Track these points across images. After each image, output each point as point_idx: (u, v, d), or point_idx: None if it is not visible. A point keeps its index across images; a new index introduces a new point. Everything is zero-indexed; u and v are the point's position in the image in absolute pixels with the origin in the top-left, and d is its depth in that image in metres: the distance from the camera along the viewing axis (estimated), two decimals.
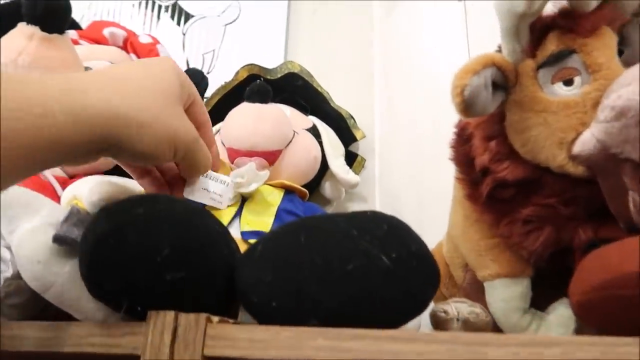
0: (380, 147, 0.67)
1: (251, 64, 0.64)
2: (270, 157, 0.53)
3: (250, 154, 0.53)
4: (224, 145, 0.55)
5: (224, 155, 0.55)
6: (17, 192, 0.42)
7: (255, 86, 0.56)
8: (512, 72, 0.35)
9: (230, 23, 0.79)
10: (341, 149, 0.61)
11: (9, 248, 0.41)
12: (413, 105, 0.69)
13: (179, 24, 0.80)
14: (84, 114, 0.27)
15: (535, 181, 0.36)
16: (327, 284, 0.31)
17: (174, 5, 0.82)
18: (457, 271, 0.46)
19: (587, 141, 0.32)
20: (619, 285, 0.27)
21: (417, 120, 0.68)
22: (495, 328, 0.41)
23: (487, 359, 0.23)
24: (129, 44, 0.68)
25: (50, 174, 0.54)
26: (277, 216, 0.50)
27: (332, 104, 0.65)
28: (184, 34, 0.80)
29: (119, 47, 0.69)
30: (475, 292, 0.45)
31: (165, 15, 0.81)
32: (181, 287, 0.33)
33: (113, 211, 0.33)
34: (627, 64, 0.37)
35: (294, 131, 0.56)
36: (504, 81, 0.35)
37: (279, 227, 0.37)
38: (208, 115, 0.38)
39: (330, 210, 0.62)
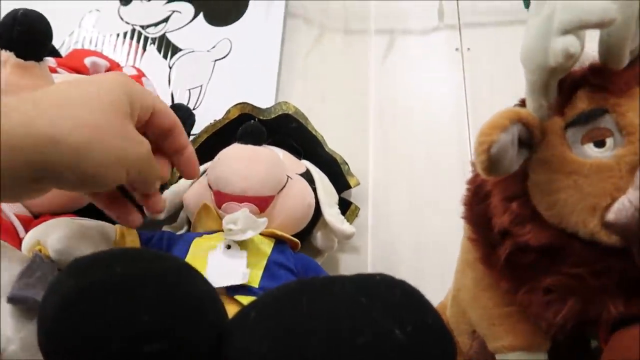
0: (374, 195, 0.64)
1: (244, 103, 0.61)
2: (262, 204, 0.49)
3: (241, 199, 0.48)
4: (211, 189, 0.51)
5: (210, 199, 0.50)
6: None
7: (249, 126, 0.53)
8: (539, 128, 0.32)
9: (220, 59, 0.76)
10: (335, 196, 0.58)
11: None
12: (409, 152, 0.67)
13: (165, 57, 0.77)
14: (4, 139, 0.25)
15: (561, 248, 0.33)
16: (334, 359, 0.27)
17: (162, 38, 0.79)
18: (463, 337, 0.42)
19: (623, 209, 0.29)
20: None
21: (413, 167, 0.65)
22: None
23: None
24: None
25: (12, 213, 0.48)
26: (267, 268, 0.46)
27: (326, 148, 0.61)
28: (170, 68, 0.76)
29: None
30: (482, 358, 0.41)
31: (152, 48, 0.78)
32: (162, 359, 0.28)
33: (84, 268, 0.28)
34: None
35: (288, 176, 0.52)
36: (529, 138, 0.32)
37: (276, 289, 0.32)
38: (175, 117, 0.35)
39: (320, 261, 0.58)
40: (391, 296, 0.30)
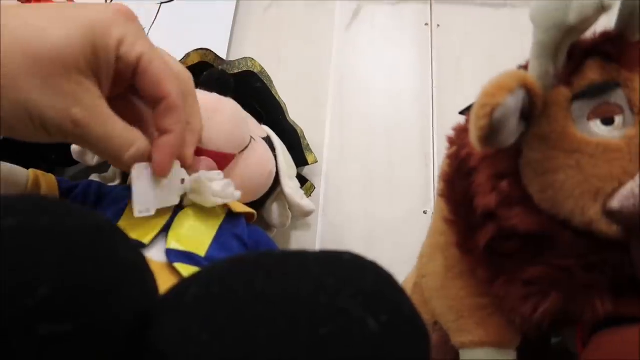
0: (328, 170, 0.59)
1: (206, 49, 0.53)
2: (222, 161, 0.42)
3: (199, 152, 0.41)
4: None
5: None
6: None
7: (216, 73, 0.45)
8: (541, 98, 0.28)
9: (167, 2, 0.67)
10: (294, 169, 0.52)
11: None
12: (367, 127, 0.62)
13: None
14: None
15: (550, 236, 0.29)
16: (292, 352, 0.21)
17: None
18: (433, 318, 0.38)
19: (630, 196, 0.26)
20: None
21: (370, 144, 0.61)
22: None
23: None
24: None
25: None
26: (217, 237, 0.39)
27: (288, 118, 0.55)
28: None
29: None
30: (442, 355, 0.37)
31: None
32: (62, 346, 0.21)
33: None
34: None
35: (251, 137, 0.46)
36: (530, 109, 0.28)
37: (224, 261, 0.26)
38: (169, 91, 0.28)
39: (274, 234, 0.52)
40: (362, 279, 0.25)
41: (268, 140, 0.49)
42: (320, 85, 0.65)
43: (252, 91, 0.52)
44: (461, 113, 0.39)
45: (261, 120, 0.52)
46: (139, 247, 0.35)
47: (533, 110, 0.29)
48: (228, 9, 0.67)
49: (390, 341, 0.22)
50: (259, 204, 0.49)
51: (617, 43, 0.28)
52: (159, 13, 0.66)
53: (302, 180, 0.54)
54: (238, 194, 0.38)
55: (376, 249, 0.56)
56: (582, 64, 0.28)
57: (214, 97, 0.43)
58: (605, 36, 0.29)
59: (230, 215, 0.40)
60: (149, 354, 0.23)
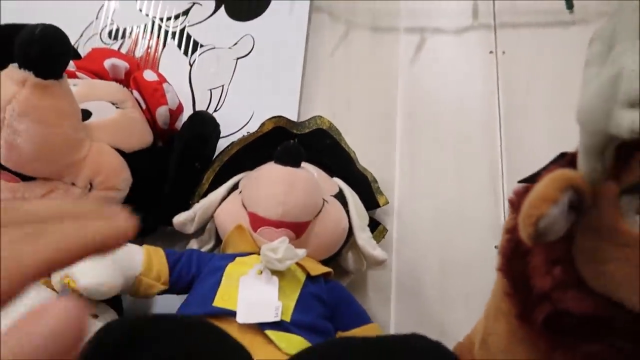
0: (400, 209, 0.62)
1: (278, 116, 0.59)
2: (299, 229, 0.48)
3: (278, 224, 0.47)
4: (246, 209, 0.49)
5: (244, 220, 0.49)
6: None
7: (289, 147, 0.50)
8: (590, 194, 0.30)
9: (243, 57, 0.73)
10: (367, 218, 0.56)
11: None
12: (437, 163, 0.64)
13: (186, 53, 0.74)
14: None
15: (606, 317, 0.31)
16: None
17: (182, 32, 0.76)
18: None
19: None
20: None
21: (441, 180, 0.63)
22: None
23: None
24: (132, 79, 0.62)
25: None
26: (299, 300, 0.45)
27: (357, 166, 0.60)
28: (190, 65, 0.74)
29: (120, 80, 0.63)
30: None
31: (172, 42, 0.75)
32: None
33: (97, 351, 0.27)
34: None
35: (324, 199, 0.51)
36: (580, 202, 0.30)
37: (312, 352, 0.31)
38: None
39: (347, 280, 0.57)
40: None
41: (340, 195, 0.54)
42: (389, 121, 0.68)
43: (323, 147, 0.57)
44: (521, 182, 0.41)
45: (332, 173, 0.57)
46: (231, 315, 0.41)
47: (583, 204, 0.30)
48: (297, 57, 0.72)
49: None
50: (336, 254, 0.54)
51: None
52: (236, 68, 0.73)
53: (375, 223, 0.58)
54: (303, 252, 0.43)
55: (450, 284, 0.59)
56: (632, 158, 0.30)
57: (287, 171, 0.48)
58: None
59: (310, 278, 0.46)
60: None
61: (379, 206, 0.59)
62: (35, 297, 0.40)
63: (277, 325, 0.42)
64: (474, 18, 0.71)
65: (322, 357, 0.30)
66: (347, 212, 0.53)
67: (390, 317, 0.59)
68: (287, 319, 0.42)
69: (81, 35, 0.78)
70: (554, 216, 0.28)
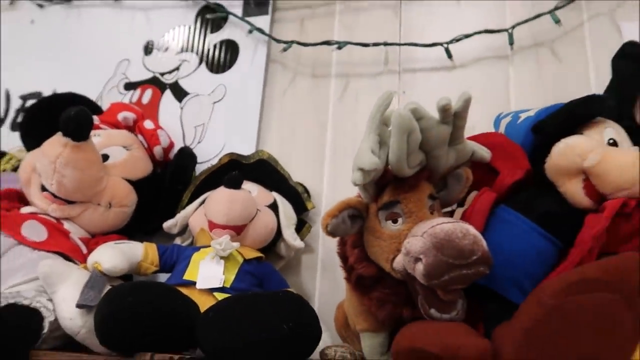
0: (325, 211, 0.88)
1: (232, 153, 0.85)
2: (239, 230, 0.74)
3: (225, 227, 0.74)
4: (206, 217, 0.76)
5: (205, 225, 0.76)
6: (54, 264, 0.65)
7: (232, 176, 0.75)
8: (365, 209, 0.55)
9: (218, 101, 0.99)
10: (294, 219, 0.82)
11: (51, 301, 0.63)
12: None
13: (178, 100, 1.02)
14: None
15: (381, 276, 0.56)
16: (252, 344, 0.52)
17: (175, 84, 1.03)
18: (351, 321, 0.67)
19: (399, 262, 0.52)
20: (419, 352, 0.47)
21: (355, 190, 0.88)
22: None
23: None
24: (137, 127, 0.89)
25: (77, 237, 0.76)
26: (237, 275, 0.70)
27: (290, 182, 0.85)
28: (181, 109, 1.01)
29: (129, 127, 0.91)
30: (358, 337, 0.66)
31: (168, 92, 1.03)
32: (154, 341, 0.55)
33: (113, 297, 0.55)
34: (443, 201, 0.57)
35: (258, 209, 0.77)
36: (360, 214, 0.55)
37: (226, 300, 0.58)
38: None
39: (284, 262, 0.83)
40: (286, 306, 0.55)
41: (274, 204, 0.80)
42: (321, 146, 0.93)
43: (263, 172, 0.83)
44: None
45: (271, 189, 0.83)
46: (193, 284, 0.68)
47: (362, 215, 0.55)
48: (257, 98, 0.97)
49: (295, 336, 0.52)
50: (272, 244, 0.80)
51: (401, 178, 0.54)
52: (213, 110, 0.99)
53: (303, 223, 0.84)
54: (237, 244, 0.70)
55: None
56: (383, 190, 0.54)
57: (231, 192, 0.74)
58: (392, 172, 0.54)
59: (246, 261, 0.72)
60: (196, 341, 0.56)
61: (307, 210, 0.85)
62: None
63: (222, 290, 0.68)
64: (384, 65, 0.95)
65: (232, 299, 0.57)
66: (278, 216, 0.79)
67: (315, 290, 0.85)
68: (228, 285, 0.69)
69: (103, 89, 1.06)
70: (335, 223, 0.53)
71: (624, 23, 0.86)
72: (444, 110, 0.50)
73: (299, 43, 0.96)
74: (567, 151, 0.53)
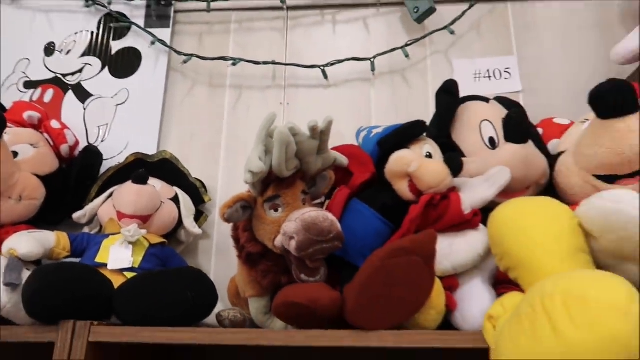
0: (220, 203, 1.03)
1: (137, 152, 0.96)
2: (145, 219, 0.87)
3: (132, 217, 0.86)
4: (115, 208, 0.87)
5: (114, 215, 0.87)
6: None
7: (138, 173, 0.87)
8: (253, 201, 0.72)
9: (121, 104, 1.09)
10: (193, 210, 0.96)
11: None
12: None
13: (81, 100, 1.09)
14: None
15: (265, 253, 0.73)
16: (161, 309, 0.67)
17: (78, 85, 1.10)
18: (241, 290, 0.83)
19: (278, 240, 0.70)
20: (291, 304, 0.65)
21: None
22: (253, 324, 0.78)
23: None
24: (43, 127, 0.96)
25: None
26: (144, 257, 0.83)
27: (190, 179, 0.99)
28: (84, 109, 1.09)
29: (34, 126, 0.98)
30: (247, 302, 0.83)
31: (70, 93, 1.10)
32: (76, 311, 0.66)
33: (40, 275, 0.65)
34: (313, 195, 0.76)
35: (162, 202, 0.90)
36: (250, 205, 0.72)
37: (136, 276, 0.71)
38: None
39: (184, 246, 0.97)
40: (188, 277, 0.70)
41: (175, 197, 0.93)
42: (217, 149, 1.08)
43: (165, 169, 0.96)
44: None
45: (172, 184, 0.96)
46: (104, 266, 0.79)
47: (252, 205, 0.72)
48: (158, 103, 1.09)
49: (196, 303, 0.68)
50: (174, 231, 0.94)
51: (281, 178, 0.71)
52: (117, 111, 1.09)
53: (201, 213, 0.99)
54: (144, 231, 0.83)
55: None
56: (268, 187, 0.72)
57: (138, 187, 0.86)
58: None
59: (151, 245, 0.85)
60: (112, 309, 0.68)
61: (204, 202, 0.99)
62: None
63: (131, 269, 0.81)
64: (272, 80, 1.12)
65: (143, 275, 0.70)
66: (179, 207, 0.93)
67: (211, 269, 1.00)
68: (137, 266, 0.81)
69: (2, 85, 1.10)
70: (230, 212, 0.69)
71: (455, 60, 1.12)
72: (313, 129, 0.69)
73: (197, 57, 1.09)
74: (398, 160, 0.74)
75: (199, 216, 0.98)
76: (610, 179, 0.75)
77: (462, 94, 0.90)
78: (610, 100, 0.70)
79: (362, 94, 1.11)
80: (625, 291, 0.48)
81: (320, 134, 0.71)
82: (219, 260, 1.00)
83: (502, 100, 0.96)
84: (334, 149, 0.79)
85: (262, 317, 0.78)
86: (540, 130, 0.94)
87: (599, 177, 0.75)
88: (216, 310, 0.75)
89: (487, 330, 0.61)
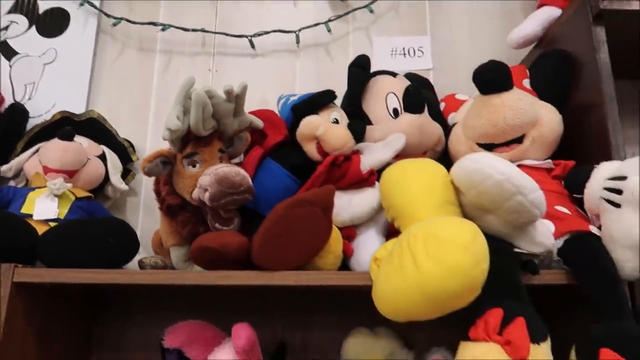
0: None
1: (64, 111, 0.99)
2: (71, 174, 0.91)
3: (58, 171, 0.90)
4: (41, 163, 0.91)
5: (40, 169, 0.91)
6: None
7: (65, 130, 0.91)
8: (173, 157, 0.79)
9: (48, 63, 1.11)
10: (120, 168, 1.01)
11: None
12: None
13: (7, 58, 1.10)
14: None
15: (184, 205, 0.80)
16: (85, 254, 0.72)
17: (4, 43, 1.11)
18: (164, 240, 0.90)
19: (195, 193, 0.77)
20: (204, 249, 0.72)
21: None
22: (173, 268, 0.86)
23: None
24: None
25: None
26: (70, 209, 0.88)
27: (118, 138, 1.03)
28: (10, 67, 1.10)
29: None
30: (169, 252, 0.90)
31: None
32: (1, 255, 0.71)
33: None
34: (231, 154, 0.83)
35: (88, 158, 0.94)
36: (170, 161, 0.79)
37: (62, 223, 0.77)
38: None
39: (110, 203, 1.02)
40: (111, 225, 0.76)
41: (102, 155, 0.98)
42: (145, 109, 1.12)
43: (93, 128, 1.00)
44: None
45: (100, 143, 1.00)
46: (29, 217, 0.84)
47: (172, 161, 0.79)
48: (87, 65, 1.11)
49: (118, 246, 0.74)
50: (101, 187, 0.98)
51: (198, 136, 0.78)
52: (44, 70, 1.10)
53: (129, 171, 1.04)
54: (69, 185, 0.87)
55: None
56: (187, 144, 0.78)
57: (64, 143, 0.90)
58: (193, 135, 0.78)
59: (77, 199, 0.90)
60: (39, 252, 0.74)
61: (132, 161, 1.04)
62: None
63: (56, 220, 0.85)
64: (202, 47, 1.17)
65: (67, 222, 0.76)
66: (106, 165, 0.97)
67: (138, 224, 1.05)
68: (62, 217, 0.86)
69: None
70: (150, 166, 0.75)
71: (374, 37, 1.22)
72: (228, 93, 0.76)
73: (127, 20, 1.12)
74: (307, 124, 0.83)
75: (127, 174, 1.03)
76: (490, 147, 0.87)
77: (379, 68, 1.00)
78: (488, 78, 0.82)
79: (288, 65, 1.18)
80: (469, 231, 0.60)
81: (235, 98, 0.78)
82: (146, 216, 1.06)
83: (412, 76, 1.06)
84: (251, 112, 0.86)
85: (183, 264, 0.86)
86: (443, 105, 1.06)
87: (481, 145, 0.88)
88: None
89: (372, 269, 0.71)
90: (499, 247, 0.70)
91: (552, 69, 0.93)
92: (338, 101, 0.95)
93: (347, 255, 0.79)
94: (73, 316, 0.91)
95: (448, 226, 0.61)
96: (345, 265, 0.80)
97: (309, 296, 1.01)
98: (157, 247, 0.92)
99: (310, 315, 1.01)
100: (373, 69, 0.97)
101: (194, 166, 0.78)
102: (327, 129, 0.83)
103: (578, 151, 0.88)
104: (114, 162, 0.99)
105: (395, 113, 0.94)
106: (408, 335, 0.92)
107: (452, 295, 0.58)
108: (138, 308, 0.99)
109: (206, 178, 0.74)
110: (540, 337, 0.61)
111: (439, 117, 0.99)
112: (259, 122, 0.85)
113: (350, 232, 0.81)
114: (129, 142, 1.05)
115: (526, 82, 0.98)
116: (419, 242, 0.61)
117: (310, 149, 0.84)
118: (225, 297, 0.99)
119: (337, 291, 0.99)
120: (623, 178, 0.70)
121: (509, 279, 0.67)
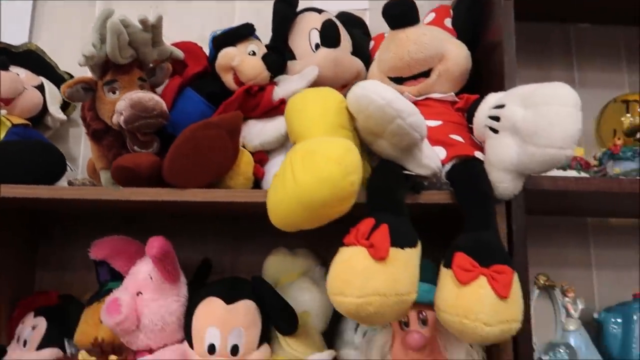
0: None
1: (0, 42, 1.03)
2: (7, 102, 0.96)
3: None
4: None
5: None
6: None
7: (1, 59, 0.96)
8: (94, 84, 0.84)
9: None
10: (58, 98, 1.06)
11: None
12: None
13: None
14: None
15: (108, 129, 0.86)
16: (14, 174, 0.79)
17: None
18: (96, 165, 0.96)
19: (115, 118, 0.83)
20: (121, 168, 0.79)
21: None
22: None
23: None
24: None
25: None
26: (7, 134, 0.94)
27: (58, 71, 1.08)
28: None
29: None
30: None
31: None
32: None
33: None
34: (153, 84, 0.89)
35: (25, 87, 0.99)
36: (91, 87, 0.84)
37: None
38: None
39: (51, 133, 1.08)
40: (39, 147, 0.82)
41: (41, 85, 1.03)
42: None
43: (32, 60, 1.04)
44: None
45: (38, 74, 1.05)
46: None
47: (93, 87, 0.84)
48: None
49: (55, 170, 0.81)
50: (40, 116, 1.04)
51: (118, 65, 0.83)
52: None
53: (69, 103, 1.09)
54: (4, 112, 0.93)
55: None
56: (107, 72, 0.83)
57: (1, 72, 0.95)
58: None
59: (14, 125, 0.96)
60: None
61: None
62: None
63: None
64: None
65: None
66: (44, 95, 1.03)
67: (80, 153, 1.12)
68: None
69: None
70: (70, 92, 0.81)
71: None
72: (142, 22, 0.80)
73: None
74: (224, 55, 0.88)
75: (68, 106, 1.08)
76: (399, 81, 0.93)
77: (313, 6, 1.03)
78: (395, 12, 0.86)
79: (227, 6, 1.21)
80: (342, 147, 0.67)
81: (152, 28, 0.83)
82: (87, 146, 1.11)
83: (344, 14, 1.10)
84: (173, 44, 0.91)
85: (111, 187, 0.92)
86: (372, 43, 1.10)
87: (391, 79, 0.93)
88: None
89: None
90: (386, 167, 0.77)
91: (466, 9, 0.98)
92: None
93: (258, 177, 0.86)
94: (17, 240, 0.99)
95: (324, 144, 0.68)
96: (258, 187, 0.87)
97: (239, 222, 1.09)
98: (92, 172, 0.99)
99: (239, 239, 1.09)
100: (308, 5, 1.01)
101: (114, 93, 0.84)
102: (242, 60, 0.88)
103: (484, 87, 0.94)
104: (53, 93, 1.04)
105: (317, 48, 0.99)
106: (326, 255, 1.00)
107: (323, 204, 0.66)
108: (82, 232, 1.07)
109: (122, 102, 0.80)
110: (407, 243, 0.68)
111: (363, 53, 1.03)
112: (179, 53, 0.89)
113: (262, 156, 0.88)
114: (69, 75, 1.10)
115: (447, 21, 1.02)
116: (298, 157, 0.68)
117: (228, 79, 0.90)
118: (162, 225, 1.06)
119: (265, 217, 1.07)
120: (502, 106, 0.77)
121: (389, 195, 0.74)
